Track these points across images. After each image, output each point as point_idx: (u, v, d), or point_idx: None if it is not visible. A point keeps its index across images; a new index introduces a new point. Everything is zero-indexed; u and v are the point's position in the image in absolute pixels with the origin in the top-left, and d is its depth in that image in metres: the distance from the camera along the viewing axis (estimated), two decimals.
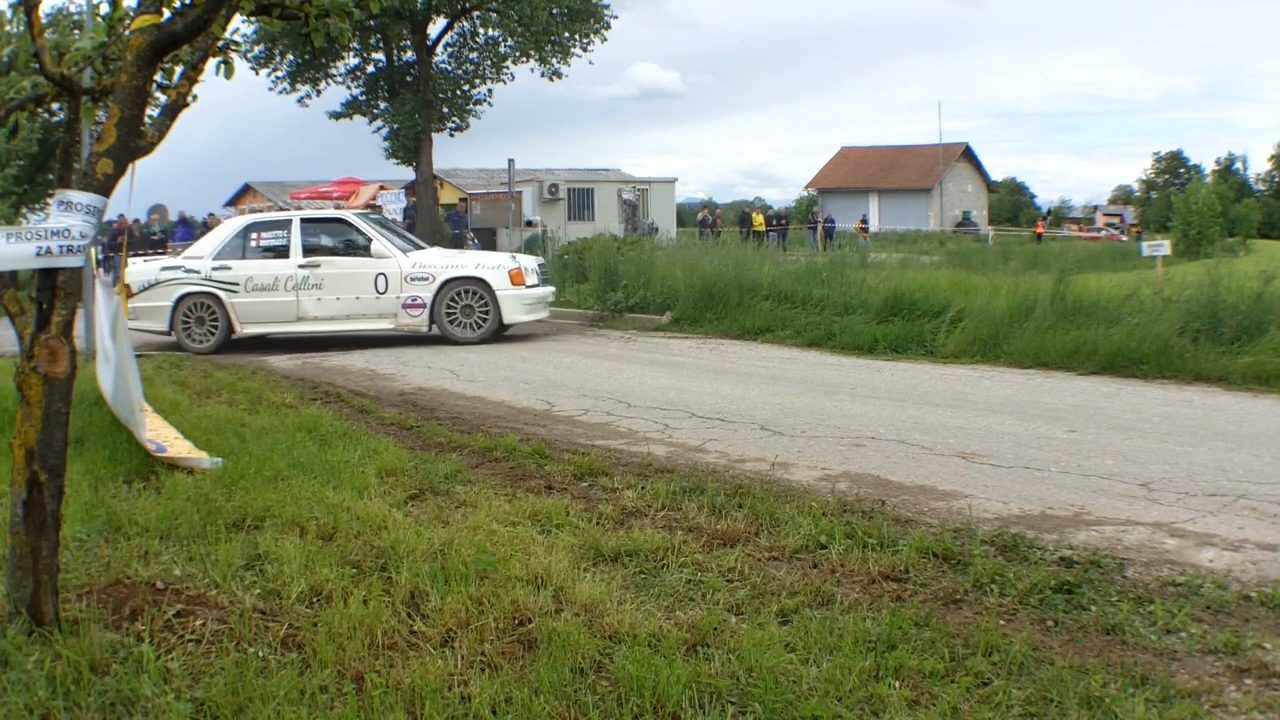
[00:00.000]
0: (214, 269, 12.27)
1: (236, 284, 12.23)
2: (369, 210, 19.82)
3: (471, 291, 12.25)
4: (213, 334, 12.26)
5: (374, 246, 12.28)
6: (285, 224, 12.64)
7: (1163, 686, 3.00)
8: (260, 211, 18.40)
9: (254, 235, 12.69)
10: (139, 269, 12.85)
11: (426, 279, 12.21)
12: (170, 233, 23.79)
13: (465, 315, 12.28)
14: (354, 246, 12.40)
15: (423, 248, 13.44)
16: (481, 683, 3.01)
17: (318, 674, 3.07)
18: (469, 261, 12.64)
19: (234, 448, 5.97)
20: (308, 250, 12.32)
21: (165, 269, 12.66)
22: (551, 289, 13.49)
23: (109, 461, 5.62)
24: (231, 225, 13.15)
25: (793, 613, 3.58)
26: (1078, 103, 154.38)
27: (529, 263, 12.90)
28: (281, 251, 12.39)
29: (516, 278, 12.31)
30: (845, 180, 59.16)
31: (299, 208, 15.82)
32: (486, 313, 12.23)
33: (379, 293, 12.18)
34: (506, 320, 12.35)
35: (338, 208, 15.61)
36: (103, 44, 3.68)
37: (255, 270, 12.28)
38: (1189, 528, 4.55)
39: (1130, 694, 2.95)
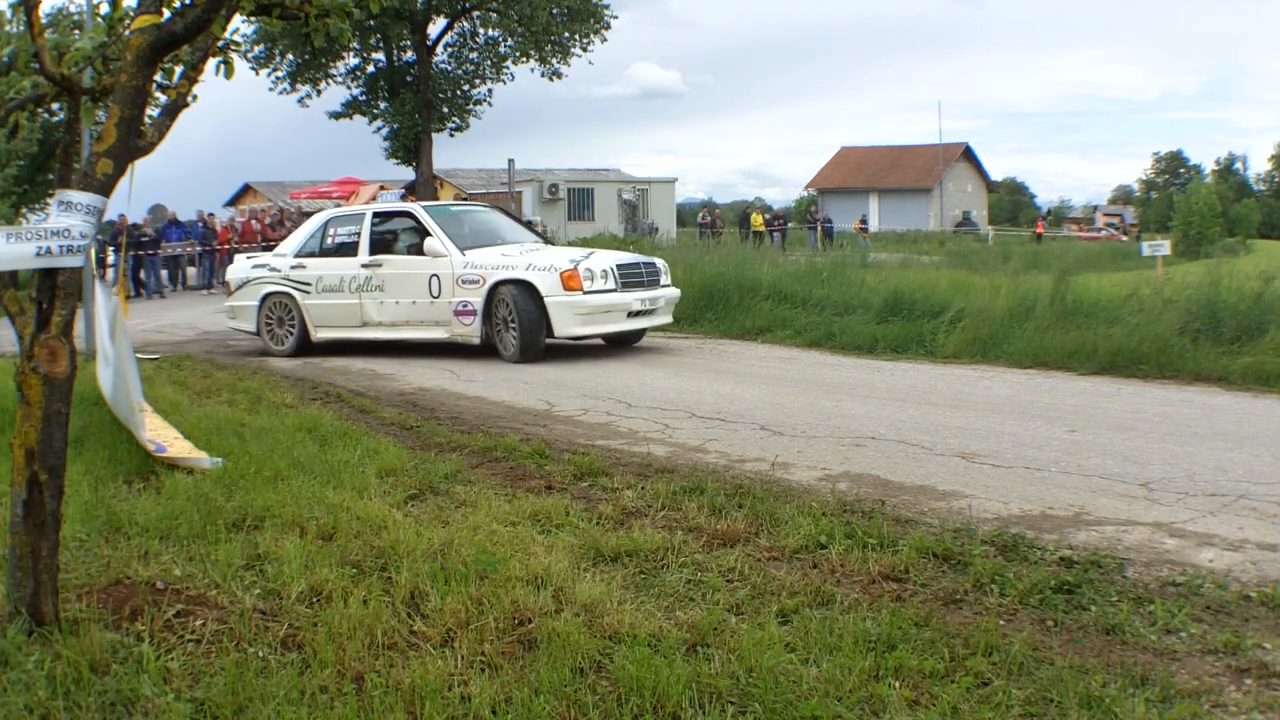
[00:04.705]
0: (292, 267, 11.37)
1: (309, 284, 11.20)
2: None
3: (518, 298, 10.12)
4: (290, 335, 11.38)
5: (428, 243, 10.61)
6: (359, 218, 11.49)
7: (1163, 686, 3.00)
8: (260, 211, 18.27)
9: (331, 230, 11.72)
10: (237, 266, 12.25)
11: (477, 281, 10.27)
12: (161, 234, 23.82)
13: (507, 327, 10.20)
14: (414, 243, 10.86)
15: (503, 243, 11.14)
16: (481, 683, 3.01)
17: (318, 674, 3.07)
18: (521, 261, 10.35)
19: (234, 448, 5.97)
20: (374, 248, 11.01)
21: (256, 266, 11.81)
22: (640, 295, 10.60)
23: (109, 461, 5.62)
24: (317, 219, 12.15)
25: (793, 613, 3.57)
26: (1078, 103, 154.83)
27: (602, 263, 10.47)
28: (351, 249, 11.19)
29: (570, 281, 10.01)
30: (845, 180, 59.20)
31: (299, 207, 15.71)
32: (529, 323, 10.08)
33: (433, 296, 10.54)
34: (557, 333, 10.16)
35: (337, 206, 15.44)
36: (103, 44, 3.68)
37: (325, 269, 11.23)
38: (1189, 528, 4.54)
39: (1130, 694, 2.95)
